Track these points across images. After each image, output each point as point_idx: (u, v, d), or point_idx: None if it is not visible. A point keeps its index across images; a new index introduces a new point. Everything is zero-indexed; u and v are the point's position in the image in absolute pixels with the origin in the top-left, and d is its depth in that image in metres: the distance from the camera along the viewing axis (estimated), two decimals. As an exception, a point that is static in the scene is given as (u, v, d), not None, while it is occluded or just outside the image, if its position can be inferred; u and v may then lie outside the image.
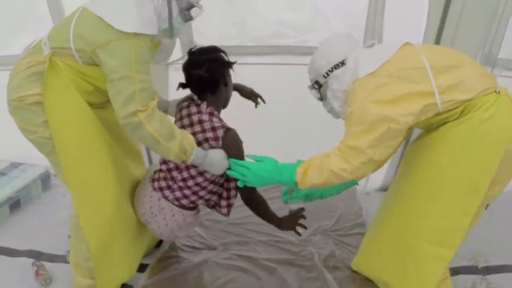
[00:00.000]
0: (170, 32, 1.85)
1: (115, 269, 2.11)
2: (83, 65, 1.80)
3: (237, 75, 2.80)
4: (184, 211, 2.06)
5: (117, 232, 2.05)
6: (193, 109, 1.98)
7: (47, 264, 2.44)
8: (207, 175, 1.97)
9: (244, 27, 2.70)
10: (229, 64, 2.05)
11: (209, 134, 1.90)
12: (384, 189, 3.02)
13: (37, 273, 2.35)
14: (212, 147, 1.90)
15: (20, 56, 1.89)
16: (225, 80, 2.03)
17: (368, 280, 2.20)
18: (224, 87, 2.04)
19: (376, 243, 2.07)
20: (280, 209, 2.19)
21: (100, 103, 1.96)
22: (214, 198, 2.12)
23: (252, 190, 2.00)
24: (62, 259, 2.49)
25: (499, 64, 2.51)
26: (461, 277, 2.25)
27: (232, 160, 1.88)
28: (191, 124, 1.95)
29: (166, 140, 1.79)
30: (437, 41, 2.46)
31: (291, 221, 2.11)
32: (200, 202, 2.06)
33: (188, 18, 1.87)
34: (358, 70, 1.68)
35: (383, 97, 1.59)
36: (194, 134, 1.92)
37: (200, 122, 1.92)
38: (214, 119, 1.93)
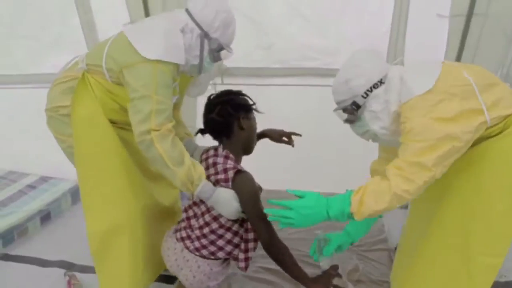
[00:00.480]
0: (199, 69, 1.96)
1: (117, 280, 2.13)
2: (112, 84, 1.91)
3: (263, 96, 2.93)
4: (209, 261, 1.98)
5: (121, 246, 2.06)
6: (211, 152, 1.99)
7: (78, 275, 2.51)
8: (222, 220, 1.91)
9: (271, 50, 2.81)
10: (245, 107, 1.98)
11: (221, 176, 1.87)
12: (405, 206, 3.08)
13: (69, 283, 2.42)
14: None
15: (61, 70, 2.04)
16: (239, 123, 1.95)
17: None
18: (240, 131, 1.96)
19: (417, 263, 1.94)
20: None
21: (123, 122, 2.00)
22: (236, 251, 2.00)
23: (272, 233, 1.85)
24: (93, 270, 2.54)
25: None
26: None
27: (269, 201, 1.69)
28: (207, 167, 1.95)
29: (174, 164, 1.80)
30: (458, 60, 2.56)
31: (325, 282, 1.81)
32: (220, 254, 1.95)
33: (216, 59, 1.96)
34: (410, 88, 1.61)
35: (443, 114, 1.55)
36: (208, 176, 1.89)
37: (214, 164, 1.91)
38: (228, 161, 1.90)
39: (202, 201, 1.94)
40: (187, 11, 1.90)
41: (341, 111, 1.77)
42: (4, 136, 3.59)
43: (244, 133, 1.97)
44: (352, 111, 1.72)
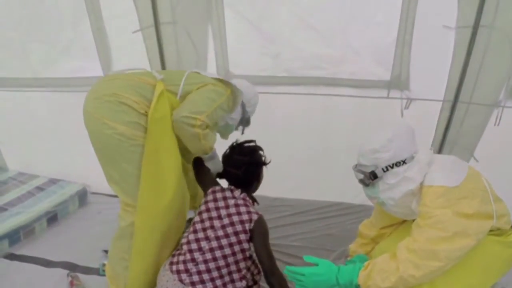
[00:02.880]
0: (244, 124, 2.45)
1: (147, 275, 2.16)
2: (178, 101, 2.12)
3: (269, 104, 2.96)
4: None
5: (161, 239, 2.14)
6: (228, 193, 2.14)
7: (81, 276, 2.54)
8: (230, 259, 1.98)
9: (278, 59, 2.84)
10: (265, 164, 2.26)
11: (245, 217, 2.03)
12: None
13: (71, 283, 2.46)
14: (245, 230, 2.01)
15: (119, 71, 2.21)
16: (258, 178, 2.26)
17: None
18: (256, 183, 2.27)
19: None
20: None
21: None
22: None
23: (273, 263, 2.01)
24: (96, 271, 2.60)
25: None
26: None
27: (288, 268, 1.85)
28: (227, 207, 2.08)
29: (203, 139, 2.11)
30: (463, 72, 2.57)
31: None
32: None
33: (244, 126, 2.46)
34: (440, 176, 1.72)
35: (465, 209, 1.64)
36: (230, 215, 2.04)
37: (236, 206, 2.08)
38: (250, 206, 2.10)
39: (217, 237, 2.00)
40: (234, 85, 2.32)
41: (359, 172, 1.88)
42: (16, 138, 3.67)
43: (258, 184, 2.29)
44: (369, 177, 1.82)
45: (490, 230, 1.72)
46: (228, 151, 2.26)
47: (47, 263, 2.71)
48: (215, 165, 2.30)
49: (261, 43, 2.81)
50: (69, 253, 2.79)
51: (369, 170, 1.82)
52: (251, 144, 2.27)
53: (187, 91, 2.14)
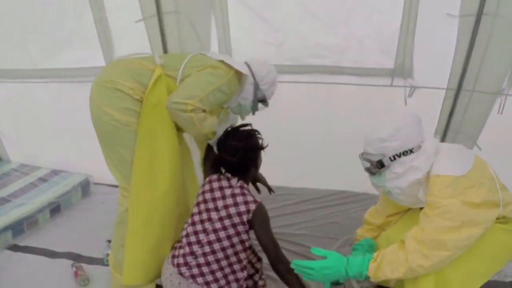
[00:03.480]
0: (253, 109, 2.33)
1: (144, 263, 2.15)
2: (176, 86, 2.08)
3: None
4: (199, 287, 1.96)
5: (158, 228, 2.14)
6: (224, 183, 2.05)
7: (85, 266, 2.55)
8: (229, 252, 1.96)
9: (282, 47, 2.83)
10: (262, 149, 2.15)
11: (242, 208, 1.96)
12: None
13: (76, 274, 2.47)
14: (243, 221, 1.95)
15: (122, 57, 2.18)
16: (256, 163, 2.17)
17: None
18: (254, 169, 2.17)
19: None
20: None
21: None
22: None
23: (279, 250, 1.98)
24: (100, 261, 2.61)
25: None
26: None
27: (295, 262, 1.83)
28: (223, 197, 2.01)
29: (200, 122, 2.06)
30: (467, 60, 2.57)
31: None
32: (214, 286, 1.94)
33: (255, 108, 2.33)
34: (447, 165, 1.73)
35: (472, 198, 1.66)
36: (226, 206, 1.98)
37: (233, 196, 2.00)
38: (247, 194, 2.01)
39: (214, 230, 1.96)
40: (246, 63, 2.30)
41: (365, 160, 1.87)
42: (19, 129, 3.66)
43: (256, 170, 2.21)
44: (376, 166, 1.81)
45: (496, 218, 1.74)
46: (222, 137, 2.15)
47: (51, 254, 2.72)
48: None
49: (264, 31, 2.80)
50: (73, 244, 2.80)
51: (375, 159, 1.81)
52: (247, 128, 2.17)
53: (187, 75, 2.10)
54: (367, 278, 1.74)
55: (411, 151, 1.76)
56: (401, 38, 2.65)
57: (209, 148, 2.31)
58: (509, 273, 2.40)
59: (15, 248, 2.77)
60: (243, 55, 2.86)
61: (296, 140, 3.10)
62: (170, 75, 2.08)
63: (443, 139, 2.89)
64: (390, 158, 1.78)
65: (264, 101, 2.36)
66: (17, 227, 2.84)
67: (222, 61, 2.16)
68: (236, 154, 2.05)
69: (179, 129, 2.15)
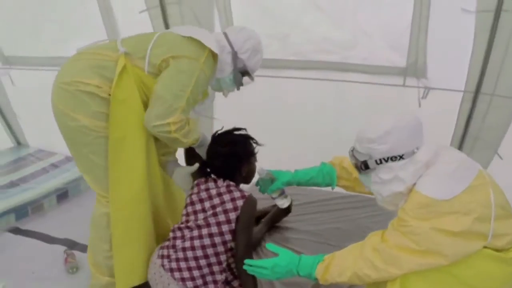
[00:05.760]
0: (237, 83, 2.07)
1: (134, 265, 2.09)
2: (148, 75, 1.90)
3: (279, 88, 2.83)
4: (180, 283, 1.91)
5: (140, 228, 2.05)
6: (211, 184, 2.00)
7: (79, 254, 2.57)
8: (209, 250, 1.90)
9: (286, 42, 2.70)
10: (249, 156, 2.04)
11: (229, 206, 1.91)
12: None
13: (66, 261, 2.49)
14: (228, 220, 1.90)
15: (86, 47, 1.99)
16: (240, 169, 2.02)
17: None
18: (240, 177, 2.05)
19: None
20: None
21: None
22: None
23: (248, 250, 1.94)
24: (92, 250, 2.62)
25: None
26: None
27: (247, 261, 1.80)
28: (210, 197, 1.96)
29: (184, 137, 1.93)
30: (486, 60, 2.33)
31: None
32: (189, 284, 1.88)
33: (239, 82, 2.08)
34: (430, 185, 1.53)
35: (449, 226, 1.47)
36: (213, 207, 1.93)
37: (219, 195, 1.94)
38: (233, 191, 1.94)
39: (198, 226, 1.92)
40: (224, 32, 2.05)
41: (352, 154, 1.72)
42: (37, 115, 3.74)
43: (242, 176, 2.05)
44: (360, 166, 1.65)
45: (484, 246, 1.52)
46: (211, 139, 2.07)
47: (50, 239, 2.76)
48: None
49: (268, 24, 2.68)
50: (72, 231, 2.82)
51: (361, 158, 1.63)
52: (238, 132, 2.06)
53: (155, 64, 1.88)
54: (316, 280, 1.69)
55: (401, 157, 1.56)
56: (413, 35, 2.44)
57: (189, 152, 2.22)
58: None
59: (16, 231, 2.84)
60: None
61: (303, 139, 2.95)
62: (137, 65, 1.89)
63: (460, 146, 2.66)
64: (376, 161, 1.60)
65: (247, 73, 2.07)
66: (21, 211, 2.91)
67: (191, 38, 1.90)
68: (218, 159, 1.99)
69: None
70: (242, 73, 2.04)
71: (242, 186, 2.06)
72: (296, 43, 2.70)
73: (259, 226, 2.54)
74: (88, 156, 1.94)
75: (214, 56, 1.95)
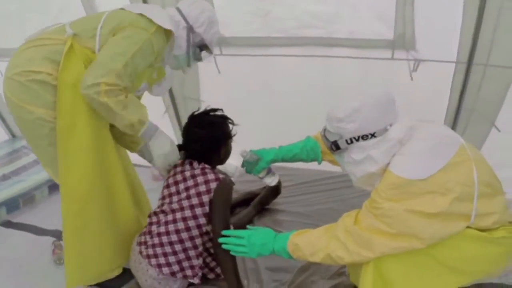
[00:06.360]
0: (187, 61, 2.02)
1: (85, 262, 2.04)
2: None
3: (264, 68, 2.72)
4: (157, 269, 1.90)
5: (93, 223, 1.98)
6: (187, 167, 1.95)
7: (66, 245, 2.54)
8: (183, 235, 1.85)
9: (269, 18, 2.58)
10: (225, 137, 1.98)
11: (202, 188, 1.86)
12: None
13: (53, 252, 2.47)
14: (201, 202, 1.85)
15: (34, 34, 1.88)
16: (218, 152, 1.98)
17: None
18: (218, 159, 2.01)
19: None
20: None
21: None
22: (181, 274, 1.90)
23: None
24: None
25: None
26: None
27: (224, 232, 1.79)
28: (184, 179, 1.92)
29: (120, 109, 1.75)
30: (477, 28, 2.20)
31: None
32: (165, 270, 1.86)
33: (197, 57, 2.04)
34: (403, 164, 1.44)
35: (426, 208, 1.38)
36: (187, 188, 1.89)
37: (193, 176, 1.90)
38: (208, 173, 1.89)
39: (172, 210, 1.88)
40: (177, 8, 1.99)
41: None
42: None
43: (220, 158, 2.02)
44: (331, 147, 1.58)
45: (468, 227, 1.43)
46: (188, 119, 2.00)
47: (40, 232, 2.74)
48: (161, 146, 1.92)
49: (248, 0, 2.56)
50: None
51: (332, 138, 1.56)
52: (215, 113, 1.99)
53: (104, 43, 1.80)
54: (291, 257, 1.65)
55: (372, 135, 1.48)
56: (398, 4, 2.30)
57: None
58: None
59: (7, 224, 2.82)
60: (228, 27, 2.67)
61: (291, 118, 2.85)
62: (87, 46, 1.79)
63: (455, 119, 2.54)
64: (346, 140, 1.52)
65: (204, 47, 2.02)
66: (12, 204, 2.89)
67: (141, 15, 1.84)
68: (197, 142, 1.92)
69: None
70: (200, 47, 2.00)
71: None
72: (278, 19, 2.57)
73: (247, 209, 2.51)
74: (47, 148, 1.88)
75: (167, 33, 1.90)
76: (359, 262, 1.52)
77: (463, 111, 2.50)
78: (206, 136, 1.91)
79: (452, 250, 1.45)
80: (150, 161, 2.23)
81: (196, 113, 2.00)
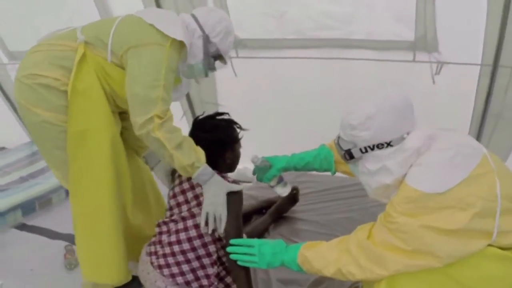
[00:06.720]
0: (205, 70, 1.92)
1: (98, 262, 2.02)
2: (111, 64, 1.79)
3: (280, 70, 2.65)
4: (167, 280, 1.85)
5: (104, 227, 1.95)
6: None
7: (77, 249, 2.53)
8: (196, 242, 1.80)
9: (283, 19, 2.51)
10: (231, 142, 1.92)
11: None
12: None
13: (65, 256, 2.46)
14: None
15: (46, 37, 1.89)
16: (223, 157, 1.91)
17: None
18: (224, 164, 1.93)
19: None
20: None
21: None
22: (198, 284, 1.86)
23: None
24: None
25: None
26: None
27: (232, 241, 1.70)
28: (192, 187, 1.88)
29: (173, 148, 1.71)
30: (502, 29, 2.07)
31: None
32: (179, 279, 1.82)
33: (211, 67, 1.94)
34: (420, 176, 1.35)
35: (445, 224, 1.28)
36: (196, 196, 1.85)
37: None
38: None
39: (182, 218, 1.84)
40: (192, 15, 1.91)
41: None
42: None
43: (226, 163, 1.93)
44: (345, 156, 1.48)
45: (488, 245, 1.31)
46: (192, 124, 1.95)
47: (53, 235, 2.74)
48: (215, 195, 1.79)
49: (263, 1, 2.50)
50: (76, 225, 2.79)
51: (346, 147, 1.47)
52: (221, 117, 1.93)
53: (117, 55, 1.77)
54: (301, 270, 1.56)
55: (388, 144, 1.38)
56: (419, 4, 2.18)
57: None
58: None
59: (22, 227, 2.84)
60: (242, 29, 2.61)
61: (306, 122, 2.77)
62: (98, 54, 1.78)
63: (481, 125, 2.41)
64: (361, 149, 1.42)
65: (220, 57, 1.95)
66: (28, 206, 2.90)
67: (153, 26, 1.75)
68: (200, 145, 1.82)
69: (124, 119, 1.94)
70: (214, 57, 1.92)
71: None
72: (294, 21, 2.49)
73: (263, 217, 2.42)
74: (53, 151, 1.88)
75: (181, 42, 1.81)
76: (372, 280, 1.42)
77: (489, 117, 2.36)
78: (209, 139, 1.85)
79: (472, 270, 1.33)
80: (152, 168, 2.19)
81: (200, 117, 1.94)
